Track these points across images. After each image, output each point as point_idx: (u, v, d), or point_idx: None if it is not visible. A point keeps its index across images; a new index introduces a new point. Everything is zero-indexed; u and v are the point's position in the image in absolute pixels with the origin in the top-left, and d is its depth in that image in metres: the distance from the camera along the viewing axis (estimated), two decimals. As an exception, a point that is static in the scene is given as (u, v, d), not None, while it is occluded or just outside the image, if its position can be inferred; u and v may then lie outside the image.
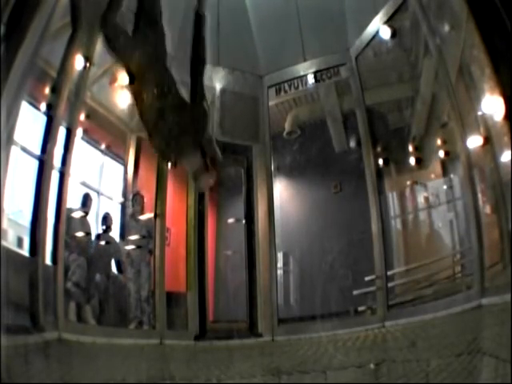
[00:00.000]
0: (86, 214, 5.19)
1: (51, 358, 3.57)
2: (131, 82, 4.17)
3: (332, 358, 3.87)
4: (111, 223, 5.50)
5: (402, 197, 5.99)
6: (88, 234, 5.20)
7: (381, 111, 6.08)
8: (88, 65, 4.74)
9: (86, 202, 5.20)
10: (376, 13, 5.55)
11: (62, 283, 4.40)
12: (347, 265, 5.59)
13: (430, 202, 5.72)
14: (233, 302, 6.16)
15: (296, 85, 6.41)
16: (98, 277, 5.15)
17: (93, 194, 5.62)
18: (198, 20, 4.65)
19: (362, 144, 5.78)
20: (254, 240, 6.02)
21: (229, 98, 6.37)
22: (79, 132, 4.94)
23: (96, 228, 5.42)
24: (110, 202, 5.87)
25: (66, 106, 4.53)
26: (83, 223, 5.19)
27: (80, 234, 5.08)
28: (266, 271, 5.82)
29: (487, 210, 4.47)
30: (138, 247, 5.53)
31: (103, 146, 5.80)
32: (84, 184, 5.35)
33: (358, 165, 5.74)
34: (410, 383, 2.79)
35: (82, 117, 5.05)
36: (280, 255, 6.26)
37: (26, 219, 4.14)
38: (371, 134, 5.72)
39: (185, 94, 6.14)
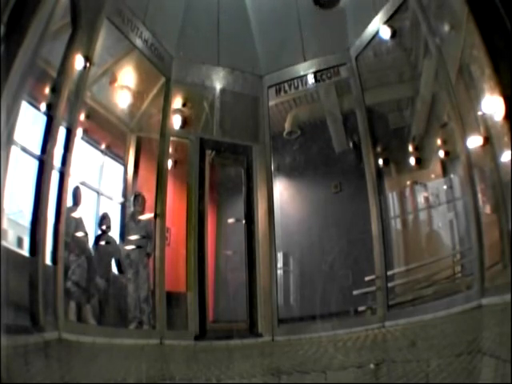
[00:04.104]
0: (77, 205, 5.09)
1: (51, 358, 3.58)
2: None
3: (332, 358, 3.87)
4: (110, 223, 5.49)
5: (401, 197, 5.99)
6: (86, 233, 5.18)
7: (381, 111, 6.08)
8: (88, 65, 4.73)
9: (76, 195, 5.12)
10: (376, 13, 5.55)
11: (62, 283, 4.39)
12: (347, 265, 5.59)
13: (430, 202, 5.72)
14: (233, 302, 6.16)
15: (296, 85, 6.41)
16: (97, 277, 5.14)
17: (93, 194, 5.63)
18: None
19: (361, 144, 5.78)
20: (253, 240, 6.02)
21: (229, 97, 6.37)
22: (79, 132, 4.94)
23: (95, 228, 5.42)
24: (109, 202, 5.87)
25: (66, 105, 4.52)
26: (79, 223, 5.16)
27: (80, 233, 5.08)
28: (266, 271, 5.82)
29: (487, 210, 4.47)
30: (138, 247, 5.53)
31: (103, 146, 5.80)
32: (84, 184, 5.34)
33: (358, 165, 5.74)
34: (409, 383, 2.79)
35: (82, 117, 5.05)
36: (280, 255, 6.26)
37: (26, 219, 4.13)
38: (371, 134, 5.72)
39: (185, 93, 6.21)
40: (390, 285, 5.27)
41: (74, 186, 5.01)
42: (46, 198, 4.24)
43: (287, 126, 6.67)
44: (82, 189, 5.23)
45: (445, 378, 2.66)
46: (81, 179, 5.20)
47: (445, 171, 5.52)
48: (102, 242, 5.39)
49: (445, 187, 5.55)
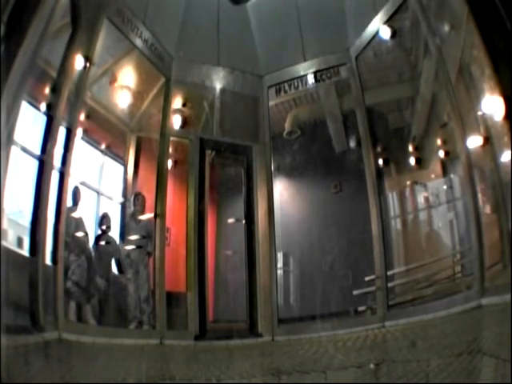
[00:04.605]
0: (76, 205, 5.10)
1: (51, 358, 3.58)
2: None
3: (332, 358, 3.87)
4: (110, 223, 5.49)
5: (401, 197, 5.99)
6: (86, 233, 5.18)
7: (381, 111, 6.08)
8: (88, 65, 4.73)
9: (76, 196, 5.12)
10: (376, 13, 5.55)
11: (62, 283, 4.40)
12: (347, 265, 5.59)
13: (430, 202, 5.72)
14: (233, 302, 6.16)
15: (296, 85, 6.41)
16: (97, 277, 5.14)
17: (93, 194, 5.63)
18: None
19: (361, 144, 5.78)
20: (254, 240, 6.02)
21: (229, 97, 6.37)
22: (79, 132, 4.94)
23: (95, 228, 5.42)
24: (109, 202, 5.87)
25: (66, 105, 4.52)
26: (79, 223, 5.16)
27: (80, 233, 5.08)
28: (266, 271, 5.82)
29: (487, 210, 4.46)
30: (138, 247, 5.53)
31: (103, 146, 5.80)
32: (84, 184, 5.35)
33: (358, 165, 5.74)
34: (409, 383, 2.79)
35: (82, 117, 5.05)
36: (280, 255, 6.26)
37: (26, 219, 4.13)
38: (371, 134, 5.71)
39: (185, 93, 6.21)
40: (390, 285, 5.27)
41: (73, 186, 5.02)
42: (46, 198, 4.24)
43: (287, 126, 6.67)
44: (82, 189, 5.23)
45: (445, 378, 2.66)
46: (81, 179, 5.21)
47: (445, 171, 5.52)
48: (102, 242, 5.39)
49: (445, 187, 5.55)
